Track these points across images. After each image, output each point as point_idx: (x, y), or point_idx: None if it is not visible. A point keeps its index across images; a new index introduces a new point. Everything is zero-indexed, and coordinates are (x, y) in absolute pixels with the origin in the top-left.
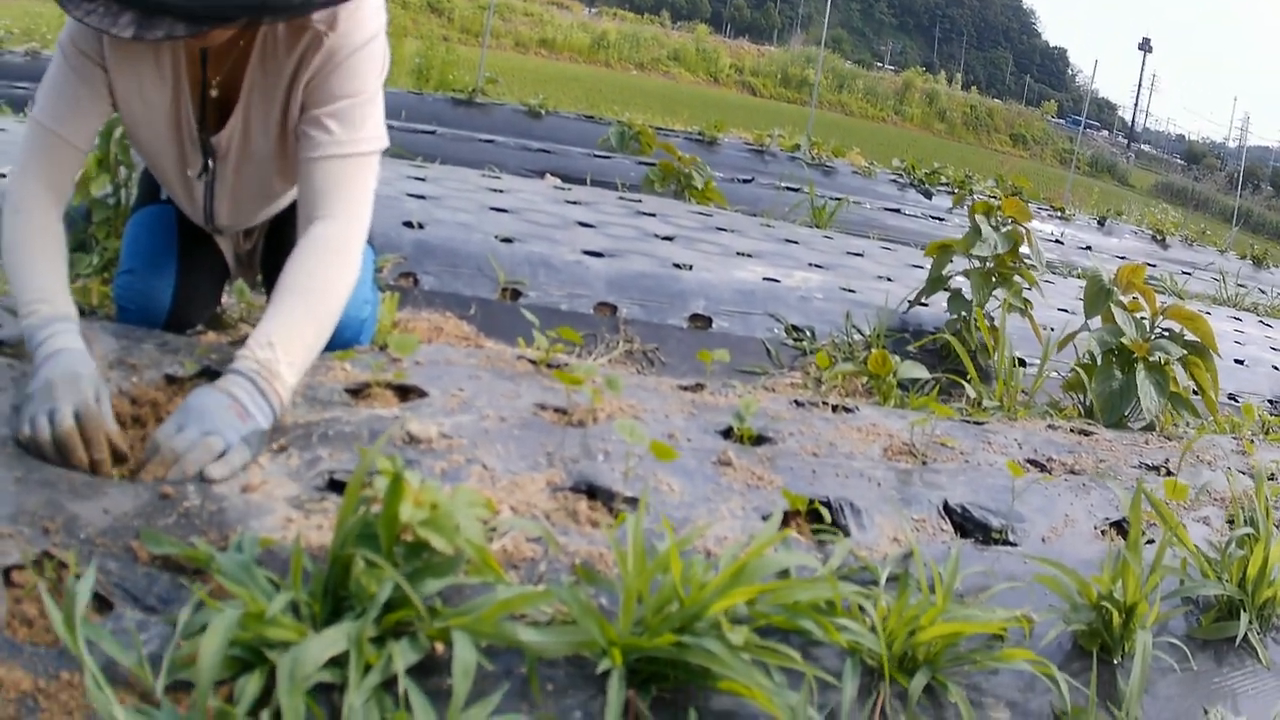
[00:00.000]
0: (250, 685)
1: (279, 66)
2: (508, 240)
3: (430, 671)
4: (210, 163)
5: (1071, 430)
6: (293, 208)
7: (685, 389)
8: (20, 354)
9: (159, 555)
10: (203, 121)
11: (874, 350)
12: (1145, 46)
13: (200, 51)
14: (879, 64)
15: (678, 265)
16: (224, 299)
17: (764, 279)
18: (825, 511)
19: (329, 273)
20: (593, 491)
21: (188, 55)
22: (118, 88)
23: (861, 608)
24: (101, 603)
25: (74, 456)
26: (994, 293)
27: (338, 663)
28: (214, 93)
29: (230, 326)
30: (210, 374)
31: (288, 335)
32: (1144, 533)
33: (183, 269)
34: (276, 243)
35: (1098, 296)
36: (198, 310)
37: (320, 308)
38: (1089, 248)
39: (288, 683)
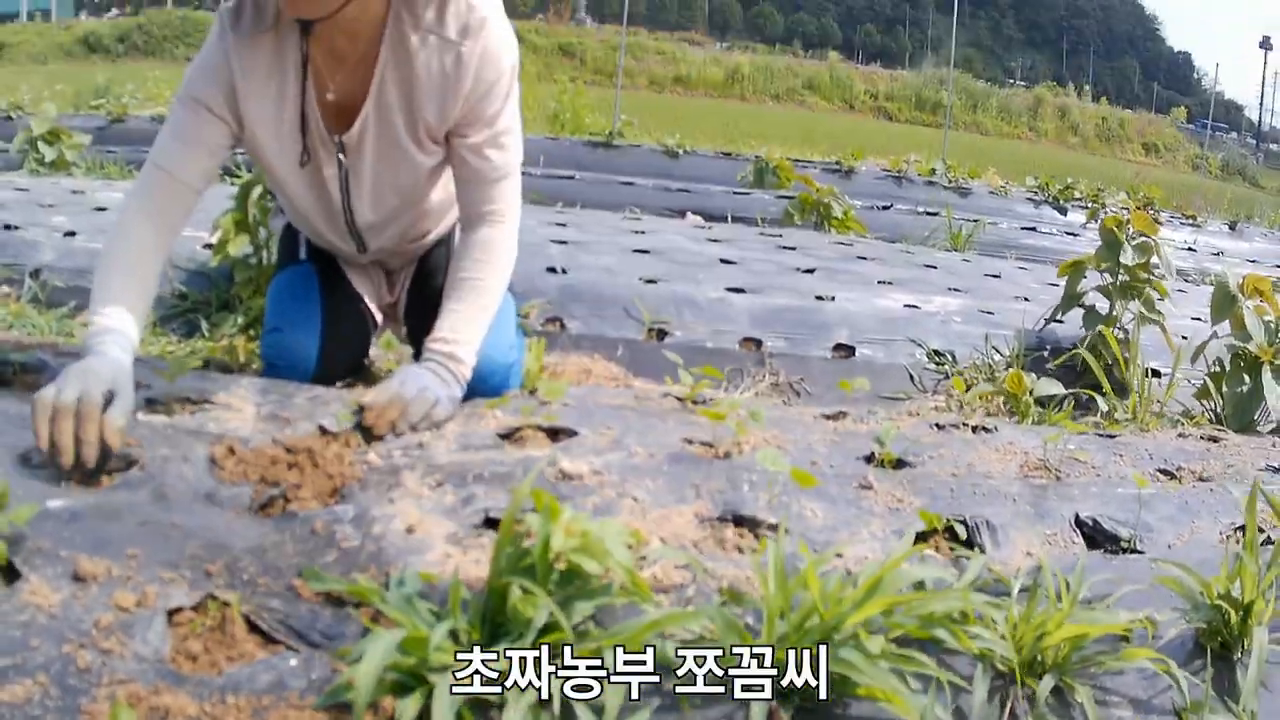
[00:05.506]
0: (410, 706)
1: (409, 76)
2: (651, 281)
3: (583, 690)
4: (342, 158)
5: (1201, 437)
6: (433, 261)
7: (828, 417)
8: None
9: (321, 592)
10: (329, 126)
11: (1011, 370)
12: (1265, 45)
13: (308, 59)
14: (1010, 80)
15: (820, 297)
16: (371, 353)
17: (905, 306)
18: (962, 529)
19: (491, 269)
20: (739, 520)
21: (305, 63)
22: (247, 110)
23: (993, 617)
24: (267, 639)
25: (61, 430)
26: (1127, 306)
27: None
28: (330, 96)
29: (379, 379)
30: (362, 430)
31: (465, 327)
32: (1265, 532)
33: (328, 324)
34: (420, 293)
35: (1224, 303)
36: (344, 364)
37: (488, 298)
38: (1220, 253)
39: (446, 698)
